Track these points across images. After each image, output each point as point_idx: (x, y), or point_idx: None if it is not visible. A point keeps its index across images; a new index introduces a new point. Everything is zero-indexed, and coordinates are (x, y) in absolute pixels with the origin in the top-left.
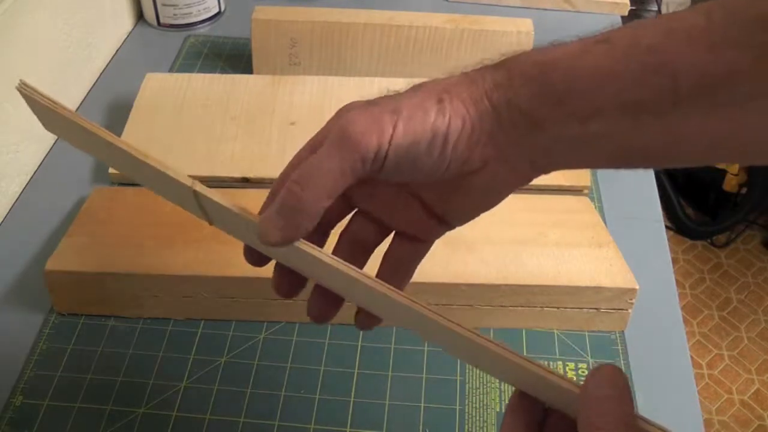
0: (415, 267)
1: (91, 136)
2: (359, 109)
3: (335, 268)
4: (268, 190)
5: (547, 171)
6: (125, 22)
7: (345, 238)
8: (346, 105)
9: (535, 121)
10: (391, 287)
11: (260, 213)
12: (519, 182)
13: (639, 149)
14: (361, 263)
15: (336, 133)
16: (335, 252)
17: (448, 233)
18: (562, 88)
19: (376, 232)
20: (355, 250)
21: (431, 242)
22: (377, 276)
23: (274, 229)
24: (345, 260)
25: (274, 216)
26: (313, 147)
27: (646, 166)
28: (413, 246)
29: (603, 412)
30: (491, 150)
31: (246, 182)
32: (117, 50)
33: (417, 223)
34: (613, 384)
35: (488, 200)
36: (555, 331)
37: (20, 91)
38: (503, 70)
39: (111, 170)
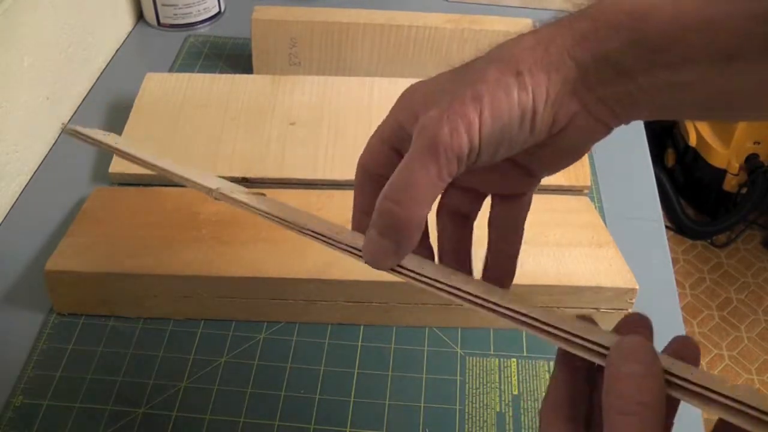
0: (523, 222)
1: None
2: (437, 106)
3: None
4: (268, 191)
5: (628, 120)
6: (125, 22)
7: (443, 212)
8: (412, 88)
9: (622, 71)
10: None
11: (353, 227)
12: (603, 133)
13: (727, 97)
14: (467, 232)
15: (423, 140)
16: (439, 228)
17: None
18: (657, 37)
19: (472, 200)
20: (456, 222)
21: (530, 194)
22: (489, 244)
23: (380, 253)
24: (451, 232)
25: (377, 239)
26: (384, 138)
27: (728, 117)
28: (513, 203)
29: (622, 394)
30: (576, 105)
31: (246, 182)
32: (117, 50)
33: (510, 181)
34: (639, 358)
35: (575, 152)
36: None
37: (71, 135)
38: (587, 20)
39: (111, 170)
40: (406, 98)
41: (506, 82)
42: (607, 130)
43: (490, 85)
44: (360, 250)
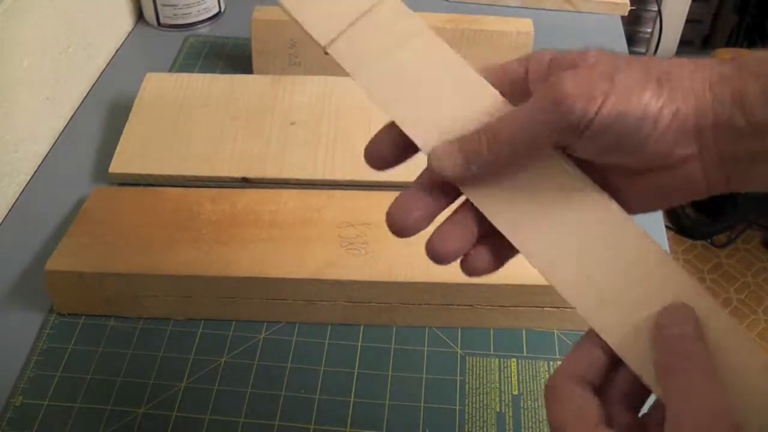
0: None
1: None
2: (572, 69)
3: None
4: (268, 191)
5: (739, 189)
6: (125, 22)
7: None
8: (544, 52)
9: (755, 124)
10: None
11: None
12: (707, 191)
13: None
14: None
15: (546, 92)
16: None
17: None
18: None
19: None
20: None
21: None
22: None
23: (449, 160)
24: None
25: (454, 150)
26: (506, 77)
27: None
28: None
29: (678, 353)
30: (695, 147)
31: (246, 182)
32: (117, 50)
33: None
34: (686, 319)
35: (669, 199)
36: (555, 331)
37: None
38: (733, 63)
39: (111, 170)
40: (543, 56)
41: (644, 84)
42: (712, 189)
43: (628, 78)
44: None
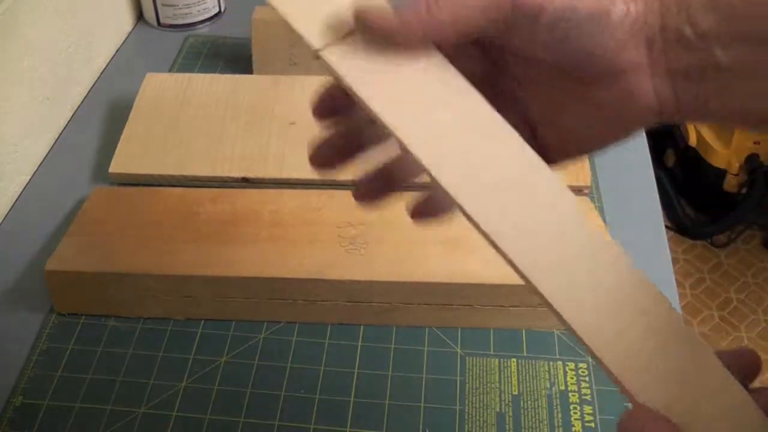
0: None
1: None
2: None
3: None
4: (268, 191)
5: (691, 116)
6: (125, 22)
7: None
8: None
9: (701, 35)
10: None
11: None
12: (656, 113)
13: None
14: None
15: None
16: None
17: (448, 233)
18: (742, 3)
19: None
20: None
21: None
22: None
23: (378, 12)
24: None
25: (387, 5)
26: None
27: None
28: None
29: None
30: (644, 54)
31: (246, 182)
32: (117, 50)
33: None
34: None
35: (610, 127)
36: (555, 331)
37: None
38: None
39: (111, 170)
40: None
41: None
42: (654, 115)
43: None
44: None
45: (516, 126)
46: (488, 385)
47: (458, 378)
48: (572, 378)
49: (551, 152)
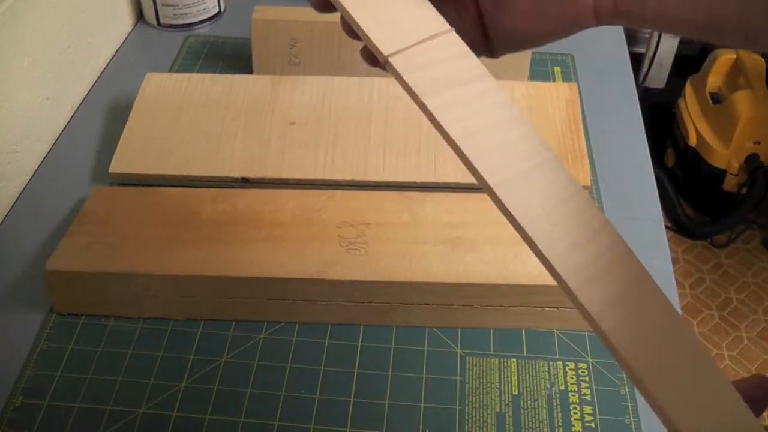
0: None
1: None
2: None
3: None
4: (268, 191)
5: (626, 18)
6: (125, 22)
7: None
8: None
9: None
10: None
11: None
12: (587, 14)
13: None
14: None
15: None
16: None
17: (447, 233)
18: None
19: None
20: None
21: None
22: None
23: None
24: None
25: None
26: None
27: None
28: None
29: None
30: None
31: (246, 182)
32: (117, 50)
33: (469, 38)
34: None
35: (541, 27)
36: (555, 331)
37: None
38: None
39: (111, 170)
40: None
41: None
42: (591, 16)
43: None
44: None
45: (467, 19)
46: (488, 385)
47: (458, 378)
48: (572, 378)
49: (495, 44)
